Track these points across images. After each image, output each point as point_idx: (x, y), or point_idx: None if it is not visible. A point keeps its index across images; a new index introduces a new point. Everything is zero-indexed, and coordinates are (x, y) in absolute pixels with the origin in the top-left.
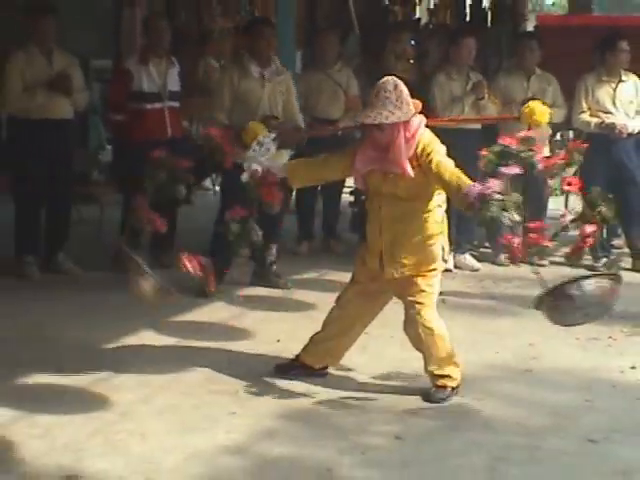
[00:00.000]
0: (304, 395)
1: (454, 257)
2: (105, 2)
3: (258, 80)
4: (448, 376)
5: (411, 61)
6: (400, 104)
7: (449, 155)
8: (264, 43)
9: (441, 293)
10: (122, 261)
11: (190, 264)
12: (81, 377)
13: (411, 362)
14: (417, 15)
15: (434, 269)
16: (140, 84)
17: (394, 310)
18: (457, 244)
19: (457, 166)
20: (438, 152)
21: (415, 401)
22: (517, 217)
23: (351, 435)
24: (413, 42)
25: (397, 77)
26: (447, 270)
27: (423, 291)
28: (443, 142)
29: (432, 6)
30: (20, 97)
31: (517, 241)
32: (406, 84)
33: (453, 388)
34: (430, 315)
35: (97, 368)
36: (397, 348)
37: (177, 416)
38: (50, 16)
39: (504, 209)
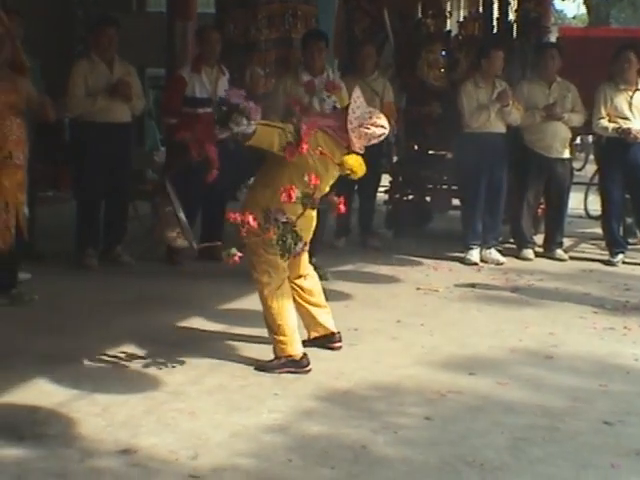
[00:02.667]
0: (340, 379)
1: (481, 252)
2: (159, 15)
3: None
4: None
5: (442, 70)
6: None
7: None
8: (316, 54)
9: (472, 285)
10: (160, 197)
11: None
12: (136, 360)
13: (440, 348)
14: (448, 27)
15: None
16: (193, 90)
17: (424, 300)
18: (484, 240)
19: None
20: None
21: (443, 385)
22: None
23: (384, 416)
24: (444, 52)
25: (429, 85)
26: (474, 264)
27: None
28: (472, 145)
29: (462, 19)
30: (83, 102)
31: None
32: (437, 92)
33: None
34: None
35: (150, 351)
36: (427, 335)
37: (224, 396)
38: (112, 28)
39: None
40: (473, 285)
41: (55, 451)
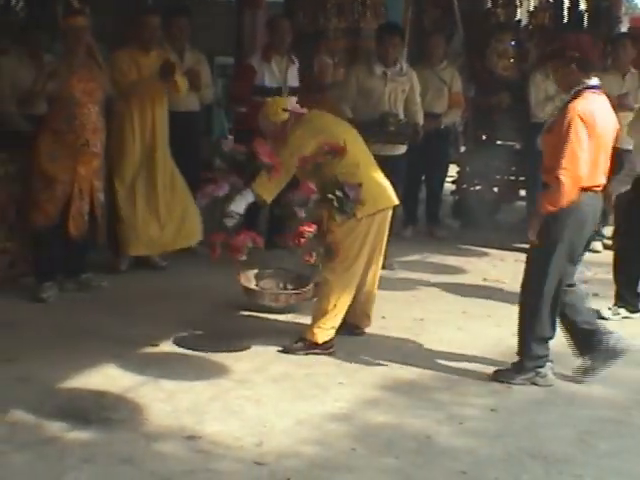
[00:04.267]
0: (405, 369)
1: None
2: (228, 4)
3: (381, 78)
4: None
5: (511, 60)
6: None
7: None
8: (389, 46)
9: None
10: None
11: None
12: (202, 347)
13: (506, 340)
14: (518, 17)
15: None
16: (262, 79)
17: (490, 291)
18: None
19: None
20: None
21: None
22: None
23: (449, 406)
24: (514, 42)
25: (498, 75)
26: None
27: None
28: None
29: (532, 8)
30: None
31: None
32: (506, 82)
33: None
34: None
35: (217, 338)
36: (493, 327)
37: (290, 384)
38: (184, 18)
39: None
40: None
41: (121, 436)
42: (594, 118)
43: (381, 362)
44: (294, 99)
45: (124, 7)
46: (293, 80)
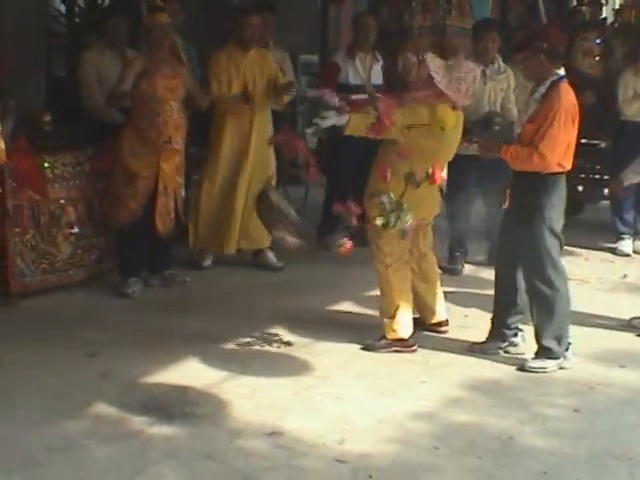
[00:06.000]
0: (488, 368)
1: (633, 242)
2: (312, 2)
3: (480, 78)
4: None
5: (597, 58)
6: None
7: None
8: (489, 42)
9: (624, 276)
10: (264, 206)
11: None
12: (283, 343)
13: (591, 340)
14: (603, 15)
15: None
16: (346, 77)
17: (575, 290)
18: (636, 230)
19: None
20: None
21: (592, 377)
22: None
23: (532, 406)
24: (599, 40)
25: (583, 72)
26: (626, 255)
27: None
28: (627, 133)
29: (618, 6)
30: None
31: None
32: (592, 80)
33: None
34: None
35: (298, 335)
36: (577, 326)
37: (372, 382)
38: (268, 14)
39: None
40: (625, 276)
41: (204, 431)
42: (576, 111)
43: (464, 362)
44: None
45: (212, 4)
46: (377, 78)
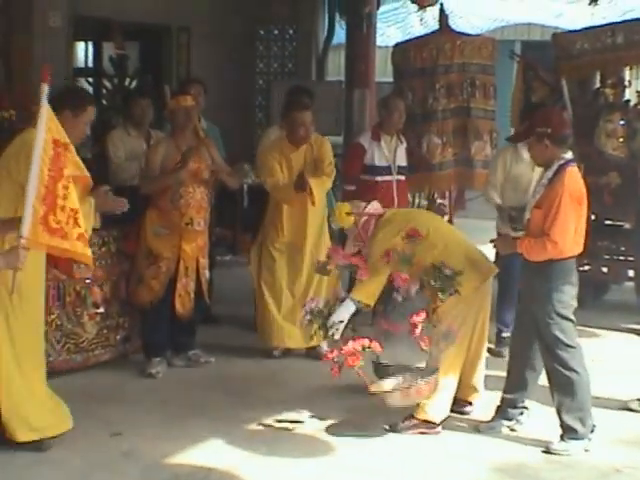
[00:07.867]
0: (513, 449)
1: None
2: (337, 84)
3: (529, 164)
4: None
5: (621, 140)
6: None
7: None
8: None
9: None
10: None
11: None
12: (310, 425)
13: (611, 423)
14: (626, 97)
15: None
16: (372, 158)
17: (596, 370)
18: None
19: None
20: None
21: (617, 459)
22: None
23: None
24: (623, 122)
25: (607, 154)
26: None
27: None
28: None
29: None
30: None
31: None
32: (615, 161)
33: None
34: None
35: (325, 417)
36: (596, 410)
37: (397, 465)
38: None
39: None
40: None
41: None
42: (582, 194)
43: (489, 441)
44: (376, 203)
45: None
46: (401, 159)
